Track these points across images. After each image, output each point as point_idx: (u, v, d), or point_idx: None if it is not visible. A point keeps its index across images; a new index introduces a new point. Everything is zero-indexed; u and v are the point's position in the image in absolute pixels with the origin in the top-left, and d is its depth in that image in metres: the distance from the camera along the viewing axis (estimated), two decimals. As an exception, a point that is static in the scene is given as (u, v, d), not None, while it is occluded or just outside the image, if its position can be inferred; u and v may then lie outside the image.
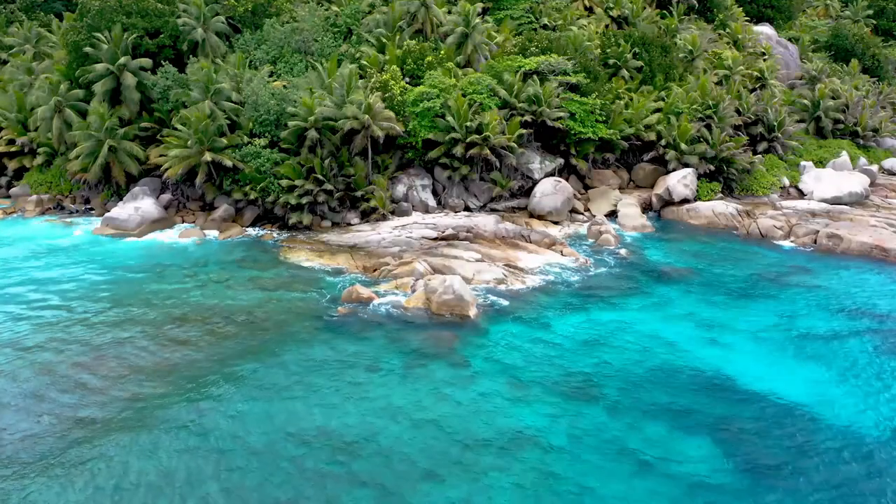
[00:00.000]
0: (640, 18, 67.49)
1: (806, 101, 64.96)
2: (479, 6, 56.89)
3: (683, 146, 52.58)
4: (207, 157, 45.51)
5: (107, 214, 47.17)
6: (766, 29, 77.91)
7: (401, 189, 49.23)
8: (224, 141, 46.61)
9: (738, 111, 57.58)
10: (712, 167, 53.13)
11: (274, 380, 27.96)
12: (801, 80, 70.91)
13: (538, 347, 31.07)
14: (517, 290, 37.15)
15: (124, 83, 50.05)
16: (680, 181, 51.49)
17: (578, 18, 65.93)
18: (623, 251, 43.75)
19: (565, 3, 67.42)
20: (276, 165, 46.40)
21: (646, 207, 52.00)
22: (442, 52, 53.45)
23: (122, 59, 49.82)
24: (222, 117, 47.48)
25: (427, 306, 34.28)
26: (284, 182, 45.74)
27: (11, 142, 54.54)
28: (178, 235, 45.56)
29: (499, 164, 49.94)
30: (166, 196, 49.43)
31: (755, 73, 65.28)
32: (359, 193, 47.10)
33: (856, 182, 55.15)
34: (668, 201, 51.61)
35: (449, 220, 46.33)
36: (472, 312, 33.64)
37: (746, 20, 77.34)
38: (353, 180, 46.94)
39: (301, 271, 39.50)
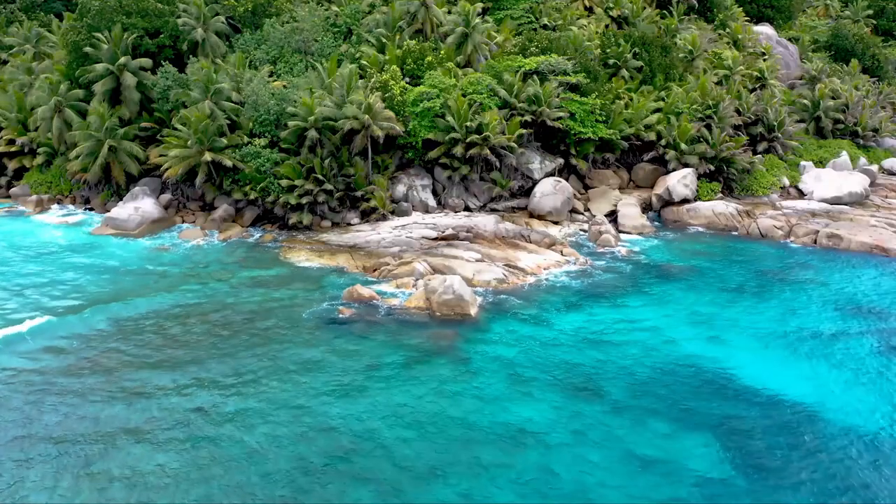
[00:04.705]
0: (640, 18, 67.41)
1: (806, 101, 64.92)
2: (479, 6, 56.81)
3: (683, 146, 52.57)
4: (207, 157, 45.52)
5: (107, 214, 47.19)
6: (766, 29, 77.85)
7: (401, 189, 49.22)
8: (224, 141, 46.61)
9: (738, 111, 57.52)
10: (712, 167, 53.09)
11: (275, 379, 27.99)
12: (801, 80, 70.87)
13: (539, 346, 31.08)
14: (517, 289, 37.14)
15: (124, 83, 50.06)
16: (680, 181, 51.47)
17: (578, 18, 65.84)
18: (623, 251, 43.76)
19: (565, 3, 67.34)
20: (276, 165, 46.40)
21: (646, 207, 51.94)
22: (442, 52, 53.43)
23: (122, 59, 49.82)
24: (222, 117, 47.47)
25: (427, 306, 34.30)
26: (284, 182, 45.73)
27: (11, 142, 54.56)
28: (178, 235, 45.57)
29: (499, 164, 49.91)
30: (166, 196, 49.43)
31: (755, 73, 65.23)
32: (359, 193, 47.10)
33: (856, 182, 55.14)
34: (668, 201, 51.59)
35: (449, 220, 46.31)
36: (473, 312, 33.65)
37: (746, 20, 77.21)
38: (353, 180, 46.93)
39: (301, 271, 39.52)
